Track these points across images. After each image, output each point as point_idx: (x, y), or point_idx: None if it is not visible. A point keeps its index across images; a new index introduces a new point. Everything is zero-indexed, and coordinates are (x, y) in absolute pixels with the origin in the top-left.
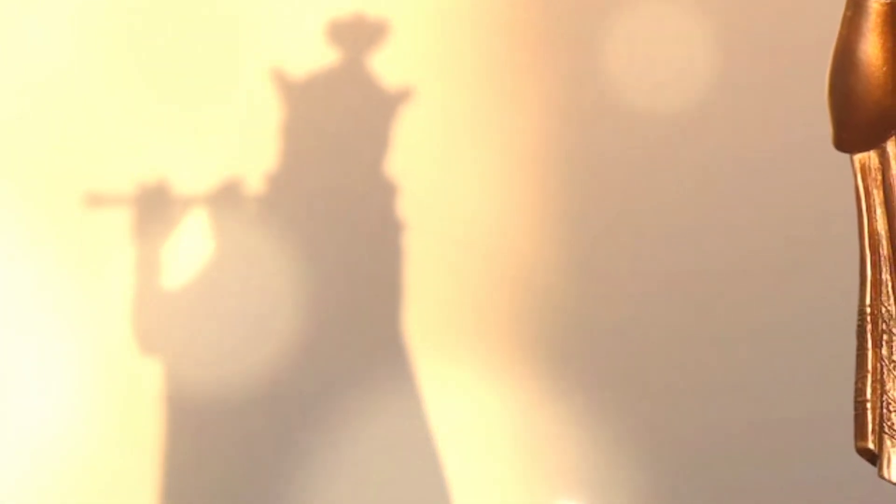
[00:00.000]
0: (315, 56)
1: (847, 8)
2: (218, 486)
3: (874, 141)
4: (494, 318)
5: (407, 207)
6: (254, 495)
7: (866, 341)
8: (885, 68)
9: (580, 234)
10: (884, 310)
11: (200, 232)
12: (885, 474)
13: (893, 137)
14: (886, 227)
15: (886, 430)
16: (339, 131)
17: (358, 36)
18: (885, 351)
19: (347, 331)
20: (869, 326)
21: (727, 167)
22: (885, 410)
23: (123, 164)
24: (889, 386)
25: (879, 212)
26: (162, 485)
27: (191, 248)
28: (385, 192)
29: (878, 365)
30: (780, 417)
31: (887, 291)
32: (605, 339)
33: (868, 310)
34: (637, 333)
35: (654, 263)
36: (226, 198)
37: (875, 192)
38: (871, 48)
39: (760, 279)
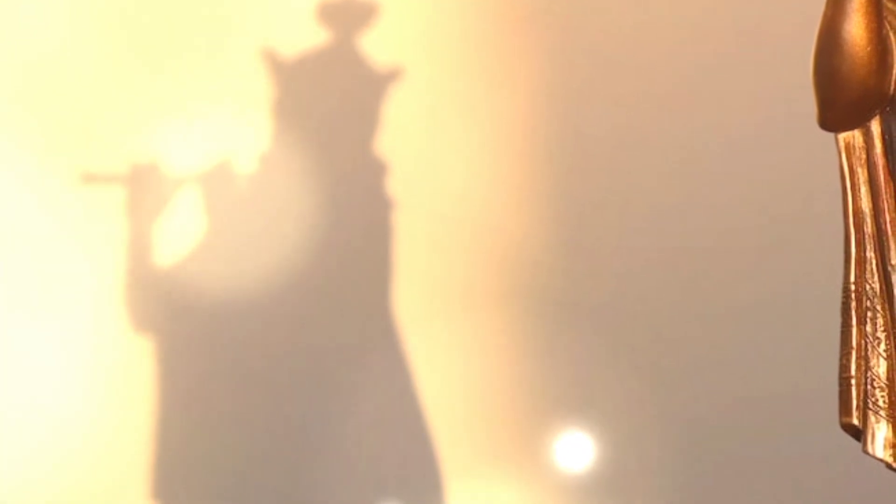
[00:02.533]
0: (305, 36)
1: None
2: (210, 462)
3: (858, 120)
4: (482, 294)
5: (396, 185)
6: (245, 471)
7: (851, 318)
8: (869, 48)
9: (567, 212)
10: (868, 287)
11: (192, 210)
12: (870, 450)
13: (877, 117)
14: (870, 205)
15: (871, 406)
16: (329, 110)
17: (348, 16)
18: (869, 328)
19: (338, 307)
20: (853, 303)
21: (713, 146)
22: (869, 387)
23: (116, 142)
24: (873, 362)
25: (864, 190)
26: (154, 460)
27: (182, 226)
28: (374, 170)
29: (863, 342)
30: (766, 393)
31: (871, 269)
32: (592, 316)
33: (853, 287)
34: (623, 310)
35: (640, 241)
36: (217, 176)
37: (859, 170)
38: (855, 28)
39: (746, 257)
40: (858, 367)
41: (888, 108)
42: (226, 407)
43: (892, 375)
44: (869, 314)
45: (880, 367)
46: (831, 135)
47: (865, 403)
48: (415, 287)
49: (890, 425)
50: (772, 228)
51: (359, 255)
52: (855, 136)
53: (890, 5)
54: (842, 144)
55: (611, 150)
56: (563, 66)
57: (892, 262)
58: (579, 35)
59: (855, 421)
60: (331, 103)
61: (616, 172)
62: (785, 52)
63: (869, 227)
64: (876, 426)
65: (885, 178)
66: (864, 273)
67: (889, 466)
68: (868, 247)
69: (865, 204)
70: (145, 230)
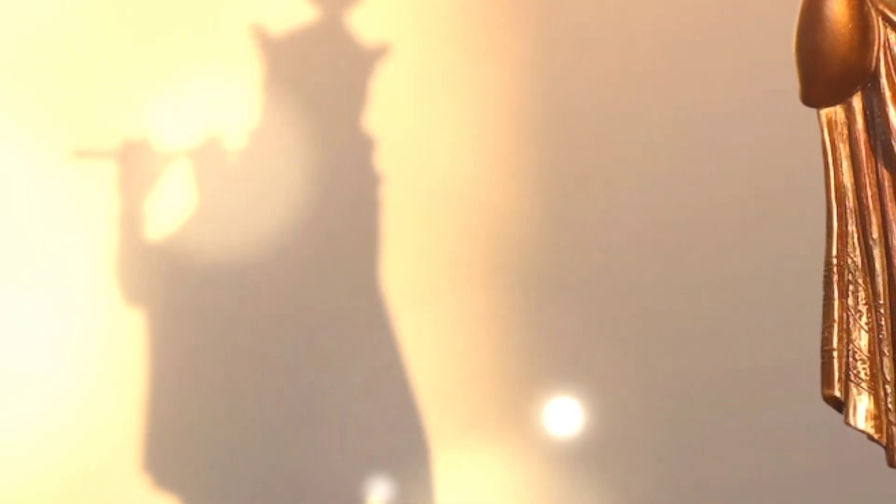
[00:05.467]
0: (294, 12)
1: None
2: (200, 433)
3: (840, 96)
4: (468, 267)
5: (384, 161)
6: (235, 441)
7: (833, 291)
8: (850, 25)
9: (553, 186)
10: (850, 261)
11: (183, 184)
12: (852, 421)
13: (859, 93)
14: (852, 179)
15: (852, 378)
16: (317, 86)
17: None
18: (850, 301)
19: (326, 281)
20: (835, 277)
21: (697, 122)
22: (850, 359)
23: (107, 117)
24: (855, 335)
25: (845, 165)
26: (145, 431)
27: (173, 200)
28: (362, 145)
29: (845, 315)
30: (749, 366)
31: (853, 243)
32: (577, 290)
33: (834, 261)
34: (608, 284)
35: (625, 216)
36: (208, 151)
37: (841, 145)
38: (837, 5)
39: (730, 231)
40: (840, 339)
41: (870, 85)
42: (216, 378)
43: (874, 348)
44: (850, 287)
45: (862, 340)
46: (814, 110)
47: (847, 376)
48: (402, 261)
49: (871, 397)
50: (755, 203)
51: (347, 230)
52: (837, 111)
53: None
54: (824, 120)
55: (596, 125)
56: (549, 42)
57: (874, 236)
58: (565, 12)
59: (837, 393)
60: (319, 79)
61: (601, 148)
62: (768, 29)
63: (851, 202)
64: (858, 398)
65: (866, 154)
66: (846, 247)
67: (871, 438)
68: (850, 221)
69: (847, 179)
70: (137, 204)
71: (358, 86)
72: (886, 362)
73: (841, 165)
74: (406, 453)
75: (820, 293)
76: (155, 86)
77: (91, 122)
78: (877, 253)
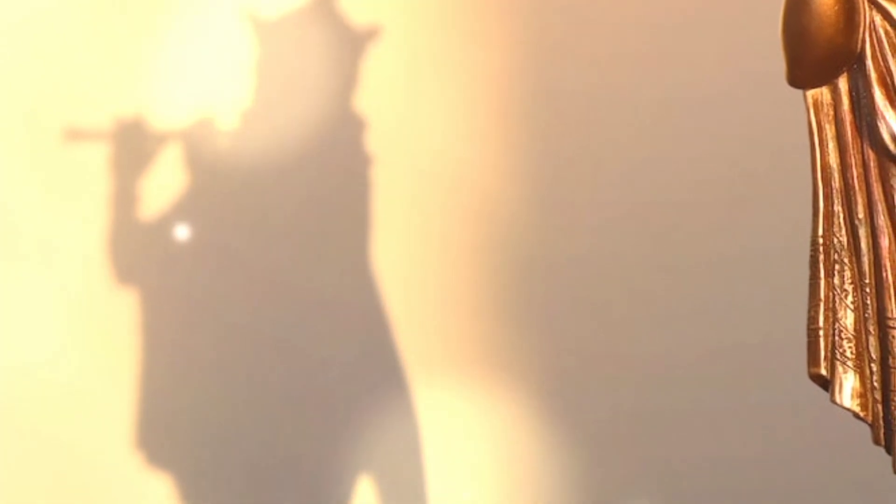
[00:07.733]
0: None
1: None
2: (193, 412)
3: (826, 77)
4: (458, 248)
5: (374, 142)
6: (227, 422)
7: (819, 271)
8: (836, 7)
9: (542, 168)
10: (836, 240)
11: (175, 165)
12: (837, 399)
13: (845, 74)
14: (838, 160)
15: (838, 356)
16: (309, 68)
17: None
18: (836, 280)
19: (318, 260)
20: (821, 257)
21: (685, 103)
22: (836, 338)
23: (101, 99)
24: (841, 314)
25: (831, 146)
26: (137, 410)
27: (166, 181)
28: (353, 126)
29: (831, 294)
30: (736, 344)
31: (839, 223)
32: (566, 270)
33: (821, 240)
34: (597, 263)
35: (613, 196)
36: (200, 133)
37: (827, 126)
38: None
39: (717, 211)
40: (826, 318)
41: (855, 66)
42: (208, 357)
43: (860, 326)
44: (836, 267)
45: (847, 319)
46: (800, 92)
47: (833, 354)
48: (392, 241)
49: (857, 375)
50: (742, 183)
51: (338, 210)
52: (823, 92)
53: None
54: (810, 101)
55: (584, 106)
56: (539, 24)
57: (859, 216)
58: None
59: (823, 371)
60: (311, 61)
61: (589, 129)
62: (754, 11)
63: (836, 182)
64: (843, 376)
65: (852, 134)
66: (832, 227)
67: (856, 415)
68: (836, 201)
69: (833, 159)
70: (130, 185)
71: (348, 68)
72: (872, 341)
73: (827, 146)
74: (395, 433)
75: (806, 273)
76: (147, 67)
77: (84, 103)
78: (862, 233)
